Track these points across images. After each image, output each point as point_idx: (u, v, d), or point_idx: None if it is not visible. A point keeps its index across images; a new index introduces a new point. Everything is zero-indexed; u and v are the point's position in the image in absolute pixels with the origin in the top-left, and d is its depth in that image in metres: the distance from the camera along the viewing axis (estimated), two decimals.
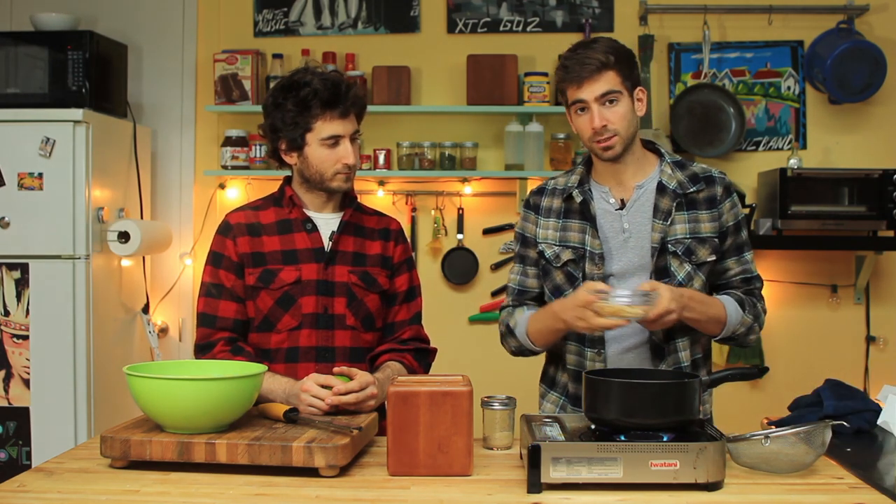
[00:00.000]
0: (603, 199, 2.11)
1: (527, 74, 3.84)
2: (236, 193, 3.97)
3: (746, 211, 3.61)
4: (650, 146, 2.16)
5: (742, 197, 3.57)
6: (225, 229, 2.19)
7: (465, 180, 3.89)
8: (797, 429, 1.69)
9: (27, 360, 3.31)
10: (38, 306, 3.31)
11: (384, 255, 2.23)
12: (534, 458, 1.59)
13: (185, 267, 3.97)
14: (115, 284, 3.60)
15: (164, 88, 4.00)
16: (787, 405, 2.63)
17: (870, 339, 3.90)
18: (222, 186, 3.96)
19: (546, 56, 3.89)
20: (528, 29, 3.98)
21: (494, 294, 3.96)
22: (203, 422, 1.74)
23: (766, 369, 2.06)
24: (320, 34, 4.01)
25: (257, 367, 1.88)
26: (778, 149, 3.94)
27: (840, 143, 3.93)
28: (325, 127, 2.10)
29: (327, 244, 2.17)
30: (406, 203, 3.96)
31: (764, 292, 2.16)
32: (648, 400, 1.67)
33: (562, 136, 3.83)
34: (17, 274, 3.32)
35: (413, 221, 3.96)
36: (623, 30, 3.89)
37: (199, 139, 4.02)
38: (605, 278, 2.05)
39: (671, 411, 1.67)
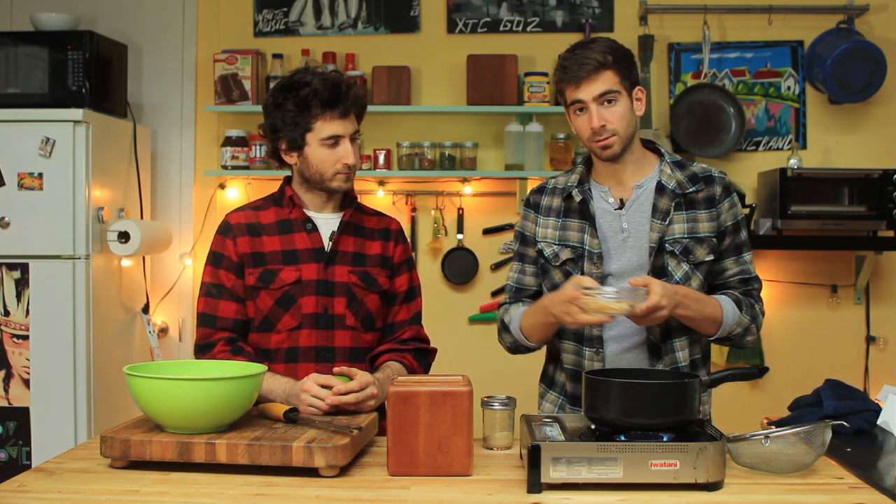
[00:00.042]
0: (602, 199, 2.11)
1: (527, 74, 3.84)
2: (236, 193, 3.97)
3: (746, 211, 3.61)
4: (650, 146, 2.16)
5: (742, 197, 3.57)
6: (225, 229, 2.19)
7: (465, 180, 3.89)
8: (797, 429, 1.69)
9: (27, 360, 3.31)
10: (38, 306, 3.31)
11: (384, 256, 2.23)
12: (534, 458, 1.59)
13: (185, 267, 3.97)
14: (115, 284, 3.60)
15: (164, 88, 4.00)
16: (787, 405, 2.63)
17: (870, 339, 3.90)
18: (222, 186, 3.96)
19: (546, 56, 3.88)
20: (528, 29, 3.98)
21: (494, 294, 3.96)
22: (203, 422, 1.74)
23: (766, 369, 2.06)
24: (320, 34, 4.01)
25: (257, 367, 1.88)
26: (778, 149, 3.94)
27: (840, 143, 3.93)
28: (325, 127, 2.10)
29: (327, 244, 2.17)
30: (406, 203, 3.96)
31: (764, 292, 2.16)
32: (648, 400, 1.67)
33: (562, 136, 3.83)
34: (17, 274, 3.32)
35: (413, 221, 3.96)
36: (623, 30, 3.89)
37: (199, 139, 4.02)
38: (603, 278, 2.05)
39: (671, 411, 1.67)
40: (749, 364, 3.80)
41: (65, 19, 3.61)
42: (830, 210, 3.62)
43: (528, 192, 2.23)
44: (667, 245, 2.04)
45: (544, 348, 2.25)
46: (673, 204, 2.06)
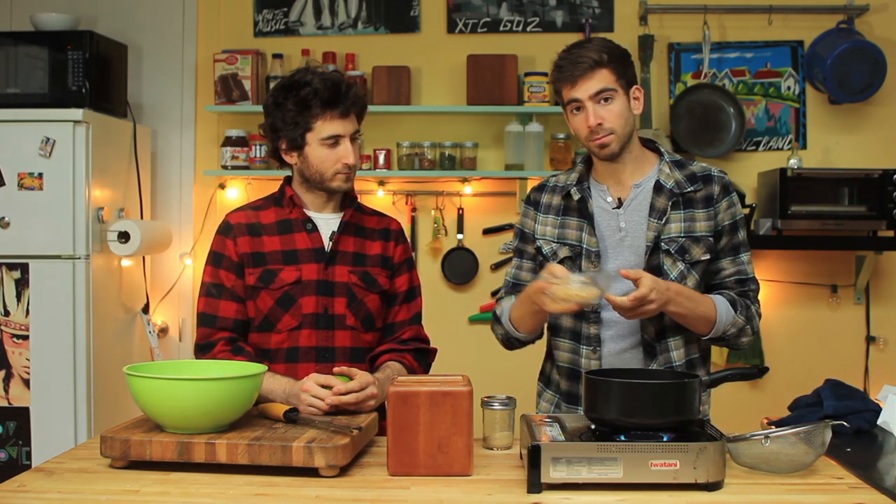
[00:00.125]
0: (601, 198, 2.11)
1: (527, 74, 3.84)
2: (236, 193, 3.97)
3: (746, 211, 3.61)
4: (650, 145, 2.16)
5: (742, 197, 3.57)
6: (225, 229, 2.19)
7: (465, 180, 3.89)
8: (797, 429, 1.69)
9: (27, 360, 3.31)
10: (38, 306, 3.31)
11: (384, 256, 2.23)
12: (534, 458, 1.59)
13: (185, 267, 3.97)
14: (115, 284, 3.60)
15: (164, 88, 4.00)
16: (787, 405, 2.63)
17: (870, 339, 3.90)
18: (222, 186, 3.96)
19: (546, 56, 3.86)
20: (528, 29, 3.98)
21: (494, 294, 3.96)
22: (203, 422, 1.74)
23: (766, 369, 2.05)
24: (320, 34, 4.01)
25: (257, 367, 1.88)
26: (778, 149, 3.94)
27: (840, 143, 3.93)
28: (326, 127, 2.10)
29: (327, 244, 2.17)
30: (406, 203, 3.96)
31: (764, 292, 2.15)
32: (648, 400, 1.67)
33: (562, 136, 3.83)
34: (17, 274, 3.32)
35: (413, 221, 3.96)
36: (623, 30, 3.89)
37: (199, 139, 4.02)
38: None
39: (671, 411, 1.67)
40: (749, 364, 3.80)
41: (65, 19, 3.61)
42: (830, 210, 3.62)
43: (529, 189, 2.23)
44: (663, 244, 2.04)
45: (544, 347, 2.25)
46: (670, 203, 2.05)
